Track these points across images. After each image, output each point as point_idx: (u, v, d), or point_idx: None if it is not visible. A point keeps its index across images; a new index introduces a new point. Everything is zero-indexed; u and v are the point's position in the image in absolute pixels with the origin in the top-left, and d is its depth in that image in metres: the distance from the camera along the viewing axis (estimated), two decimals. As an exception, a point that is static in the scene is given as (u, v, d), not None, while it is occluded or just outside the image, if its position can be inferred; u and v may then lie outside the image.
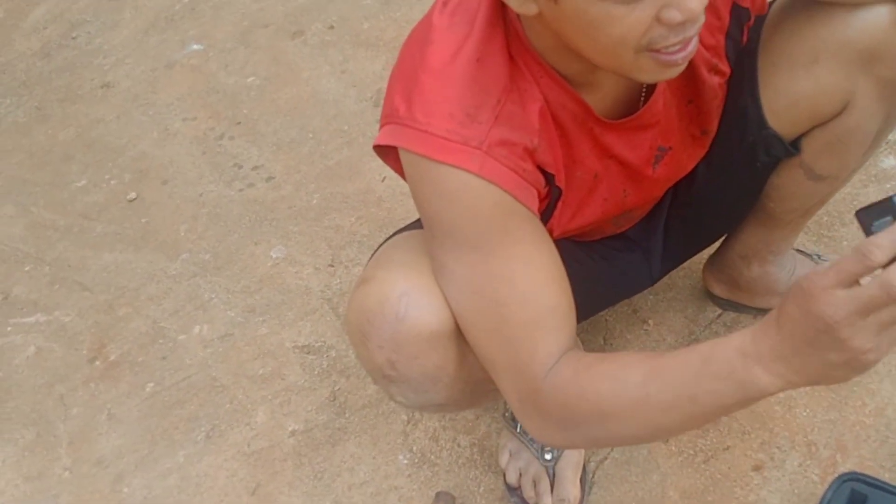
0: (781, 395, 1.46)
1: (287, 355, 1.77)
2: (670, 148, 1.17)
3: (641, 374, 0.93)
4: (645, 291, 1.64)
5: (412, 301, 1.02)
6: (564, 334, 1.03)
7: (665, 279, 1.65)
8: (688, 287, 1.66)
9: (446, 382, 1.08)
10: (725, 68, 1.17)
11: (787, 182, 1.29)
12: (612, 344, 1.61)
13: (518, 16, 0.98)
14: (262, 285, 1.91)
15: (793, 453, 1.39)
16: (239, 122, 2.32)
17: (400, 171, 1.05)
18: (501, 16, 0.98)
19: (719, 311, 1.60)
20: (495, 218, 0.99)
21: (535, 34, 0.98)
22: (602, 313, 1.65)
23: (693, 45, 0.92)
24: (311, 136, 2.19)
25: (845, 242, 1.63)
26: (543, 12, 0.90)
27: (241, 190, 2.14)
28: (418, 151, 0.96)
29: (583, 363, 0.99)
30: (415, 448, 1.56)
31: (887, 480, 1.30)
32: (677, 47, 0.90)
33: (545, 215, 1.10)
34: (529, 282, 1.02)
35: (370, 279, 1.06)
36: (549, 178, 1.06)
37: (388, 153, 1.04)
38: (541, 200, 1.07)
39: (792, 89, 1.16)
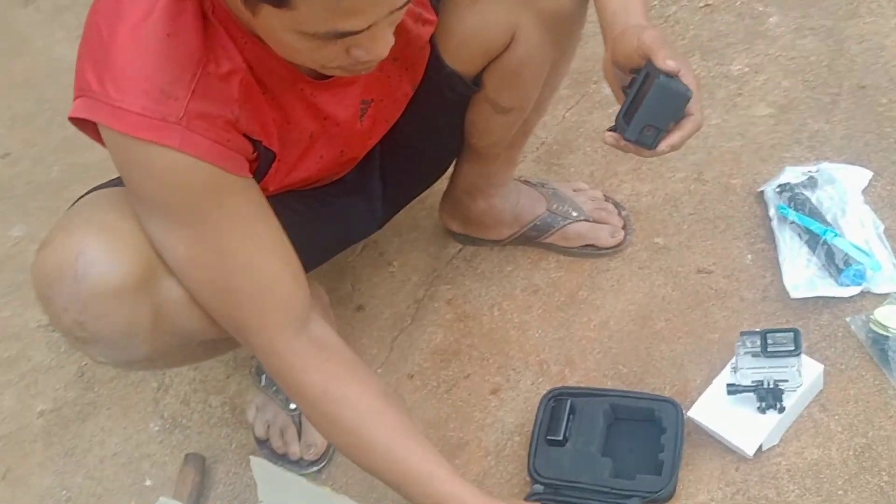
0: (516, 319, 1.53)
1: (32, 336, 1.70)
2: (373, 100, 1.20)
3: (384, 441, 1.11)
4: (389, 234, 1.69)
5: (89, 259, 1.01)
6: (295, 301, 1.11)
7: (408, 220, 1.70)
8: (430, 226, 1.70)
9: (144, 337, 1.07)
10: (431, 16, 1.21)
11: (479, 117, 1.34)
12: (359, 289, 1.64)
13: None
14: (2, 266, 1.83)
15: (526, 373, 1.46)
16: (-28, 99, 2.20)
17: (101, 143, 1.03)
18: None
19: (459, 246, 1.65)
20: (206, 193, 1.01)
21: (236, 7, 0.95)
22: (348, 259, 1.67)
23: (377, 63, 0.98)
24: (47, 106, 2.10)
25: (573, 169, 1.70)
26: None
27: (-23, 170, 2.03)
28: (116, 128, 0.96)
29: (333, 368, 1.12)
30: (166, 414, 1.54)
31: (609, 387, 1.40)
32: (363, 70, 0.98)
33: (257, 175, 1.12)
34: (249, 253, 1.06)
35: (49, 242, 1.04)
36: (256, 144, 1.08)
37: (86, 125, 1.01)
38: (250, 163, 1.08)
39: (460, 27, 1.21)
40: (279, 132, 1.11)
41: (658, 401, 1.34)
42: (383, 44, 0.94)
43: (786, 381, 1.28)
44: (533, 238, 1.57)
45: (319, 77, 1.09)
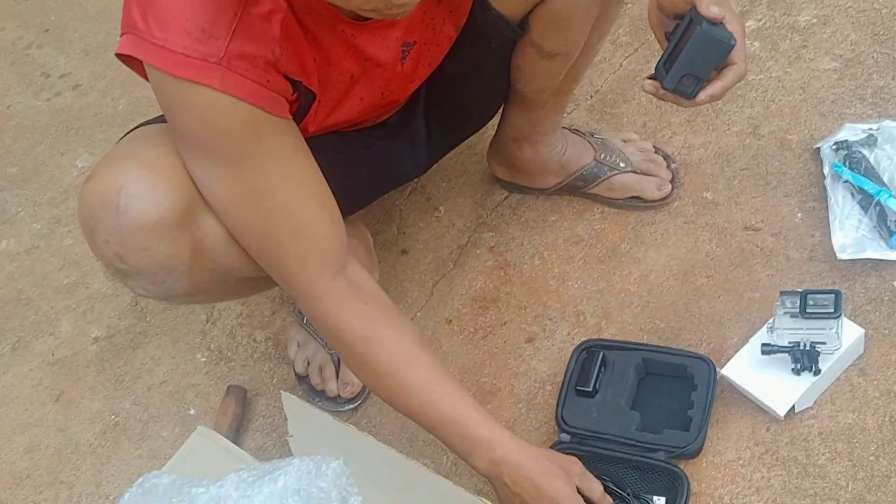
0: (556, 269, 1.53)
1: (91, 264, 1.76)
2: (415, 43, 1.19)
3: (420, 383, 1.14)
4: (437, 178, 1.69)
5: (131, 193, 1.04)
6: (332, 244, 1.13)
7: (457, 165, 1.70)
8: (478, 172, 1.69)
9: (183, 271, 1.10)
10: None
11: (524, 63, 1.32)
12: (404, 232, 1.65)
13: None
14: (67, 196, 1.89)
15: (563, 323, 1.46)
16: (47, 30, 2.26)
17: (146, 78, 1.05)
18: None
19: (506, 193, 1.65)
20: (246, 133, 1.03)
21: None
22: (396, 201, 1.68)
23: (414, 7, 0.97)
24: (118, 39, 2.13)
25: (626, 119, 1.67)
26: None
27: (48, 100, 2.10)
28: (159, 66, 0.98)
29: (371, 311, 1.14)
30: (212, 346, 1.59)
31: (644, 342, 1.40)
32: (399, 14, 0.96)
33: (298, 116, 1.13)
34: (287, 194, 1.08)
35: (94, 175, 1.08)
36: (296, 84, 1.09)
37: (132, 61, 1.04)
38: (291, 104, 1.10)
39: None
40: (319, 73, 1.11)
41: (691, 357, 1.34)
42: None
43: (823, 343, 1.25)
44: (579, 188, 1.56)
45: (360, 18, 1.09)
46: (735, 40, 1.00)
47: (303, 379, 1.48)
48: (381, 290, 1.20)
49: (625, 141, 1.58)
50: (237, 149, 1.04)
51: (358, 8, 0.98)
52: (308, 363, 1.47)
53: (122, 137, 1.19)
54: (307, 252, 1.11)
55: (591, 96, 1.71)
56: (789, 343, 1.26)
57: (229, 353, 1.58)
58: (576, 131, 1.58)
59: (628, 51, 1.76)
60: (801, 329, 1.26)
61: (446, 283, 1.57)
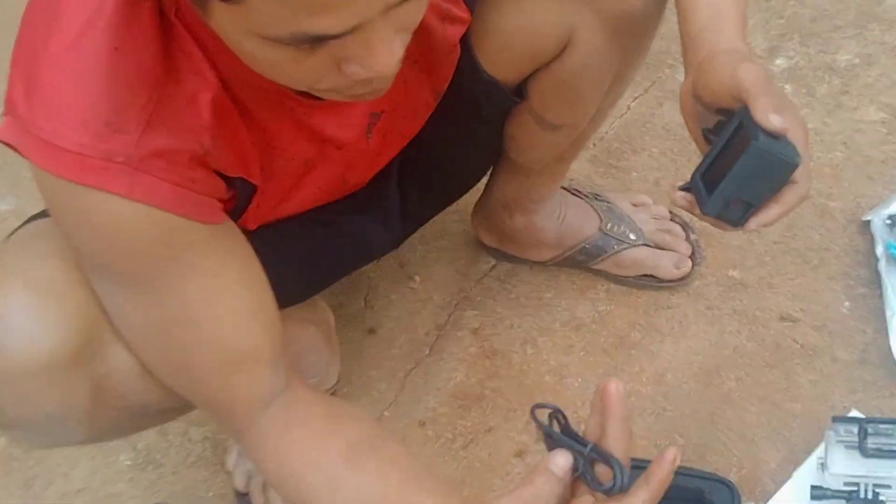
0: (553, 362, 1.28)
1: None
2: (383, 112, 0.95)
3: None
4: (413, 241, 1.42)
5: (13, 325, 0.78)
6: (268, 371, 0.90)
7: (435, 225, 1.44)
8: (461, 234, 1.44)
9: (81, 417, 0.85)
10: (463, 13, 0.95)
11: (521, 132, 1.09)
12: (373, 306, 1.39)
13: None
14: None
15: (561, 434, 1.21)
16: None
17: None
18: None
19: (493, 261, 1.39)
20: (162, 250, 0.79)
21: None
22: (365, 270, 1.42)
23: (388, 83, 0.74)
24: None
25: (635, 174, 1.42)
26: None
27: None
28: (45, 168, 0.73)
29: (285, 444, 0.90)
30: (139, 445, 1.33)
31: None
32: (369, 95, 0.74)
33: (234, 213, 0.89)
34: (216, 323, 0.85)
35: None
36: (231, 180, 0.85)
37: None
38: (225, 202, 0.86)
39: (503, 27, 0.95)
40: (262, 160, 0.87)
41: (709, 480, 1.10)
42: (385, 54, 0.67)
43: (888, 487, 1.01)
44: (580, 262, 1.31)
45: (313, 96, 0.83)
46: (800, 158, 0.74)
47: (243, 497, 1.23)
48: (321, 397, 0.95)
49: (635, 205, 1.33)
50: (152, 270, 0.79)
51: (310, 88, 0.73)
52: (250, 478, 1.22)
53: (8, 237, 0.93)
54: (236, 387, 0.87)
55: (595, 145, 1.46)
56: (845, 485, 1.02)
57: (159, 456, 1.31)
58: (576, 193, 1.33)
59: (637, 90, 1.51)
60: (861, 468, 1.02)
61: (420, 373, 1.31)
